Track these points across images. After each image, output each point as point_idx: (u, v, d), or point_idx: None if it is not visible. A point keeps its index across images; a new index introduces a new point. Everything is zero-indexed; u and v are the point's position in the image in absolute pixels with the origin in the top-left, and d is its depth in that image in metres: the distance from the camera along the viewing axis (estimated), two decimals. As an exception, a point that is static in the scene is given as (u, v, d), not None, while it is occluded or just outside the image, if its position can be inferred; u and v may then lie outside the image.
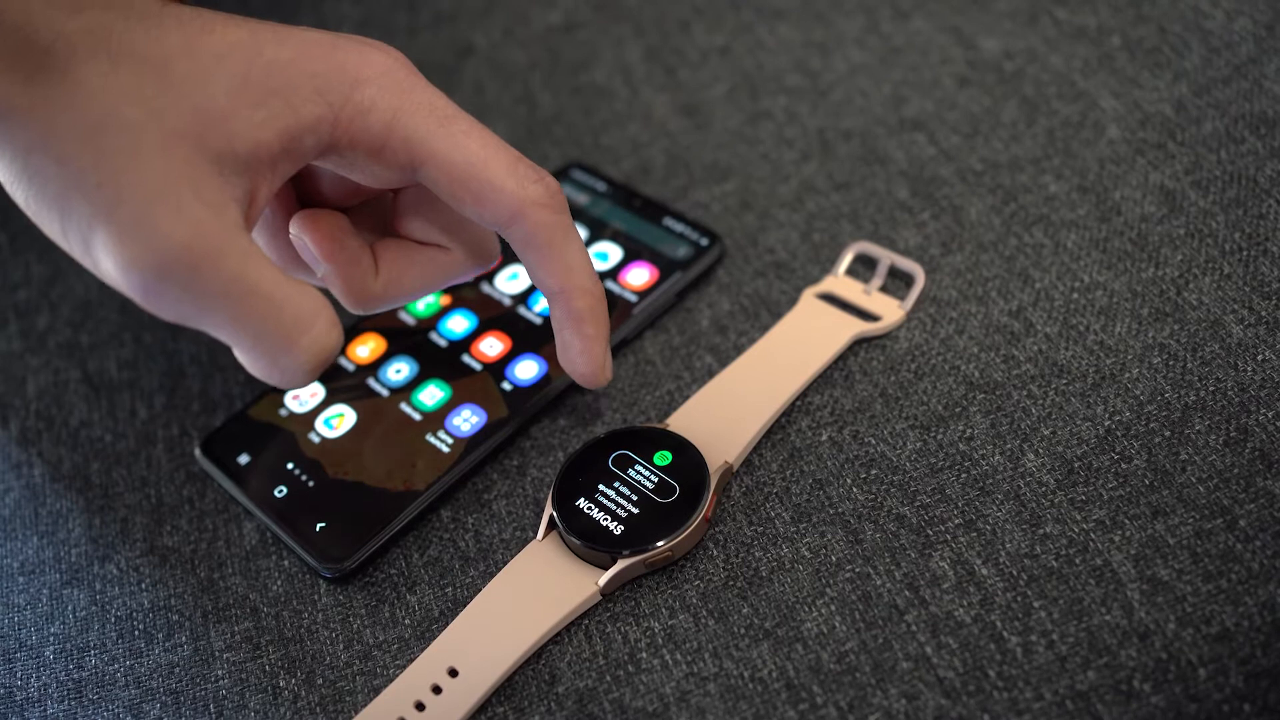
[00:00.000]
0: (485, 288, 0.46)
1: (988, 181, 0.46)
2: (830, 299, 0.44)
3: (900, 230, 0.45)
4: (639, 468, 0.38)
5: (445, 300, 0.46)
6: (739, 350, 0.43)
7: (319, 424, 0.42)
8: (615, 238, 0.47)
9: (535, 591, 0.37)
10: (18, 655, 0.39)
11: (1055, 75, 0.49)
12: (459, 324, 0.45)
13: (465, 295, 0.46)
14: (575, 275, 0.36)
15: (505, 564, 0.38)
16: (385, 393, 0.43)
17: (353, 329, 0.45)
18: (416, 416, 0.42)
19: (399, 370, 0.44)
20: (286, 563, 0.40)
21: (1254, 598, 0.34)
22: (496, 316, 0.45)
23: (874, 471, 0.39)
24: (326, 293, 0.37)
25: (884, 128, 0.49)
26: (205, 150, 0.30)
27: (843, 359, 0.42)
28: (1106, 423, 0.38)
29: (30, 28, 0.29)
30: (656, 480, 0.38)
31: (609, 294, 0.45)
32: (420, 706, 0.35)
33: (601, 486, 0.38)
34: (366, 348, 0.45)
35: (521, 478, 0.41)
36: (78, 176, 0.29)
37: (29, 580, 0.41)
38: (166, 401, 0.45)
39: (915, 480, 0.38)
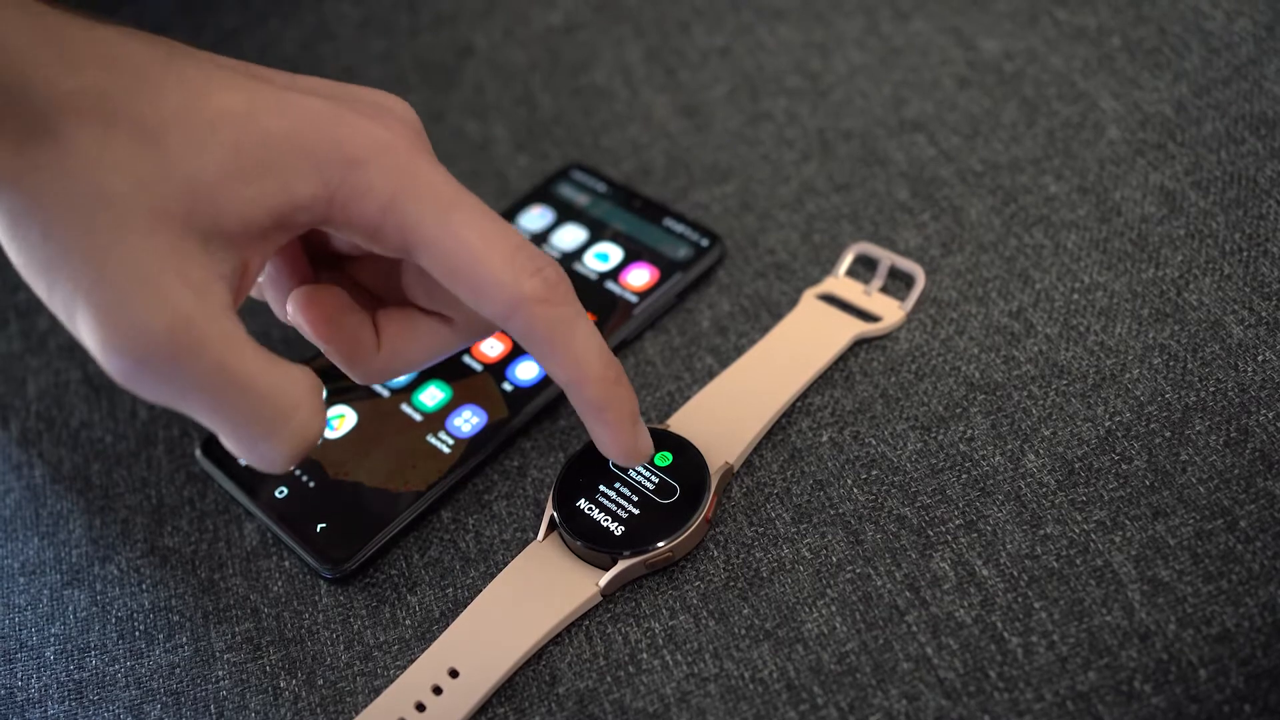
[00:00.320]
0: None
1: (988, 182, 0.46)
2: (831, 300, 0.44)
3: (900, 231, 0.45)
4: (639, 468, 0.38)
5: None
6: (739, 351, 0.43)
7: (319, 425, 0.42)
8: (615, 238, 0.47)
9: (536, 592, 0.37)
10: (18, 656, 0.39)
11: (1055, 76, 0.49)
12: (459, 325, 0.45)
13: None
14: (583, 367, 0.33)
15: (506, 565, 0.38)
16: (386, 393, 0.43)
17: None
18: (417, 417, 0.42)
19: (399, 371, 0.44)
20: (287, 563, 0.40)
21: (1254, 598, 0.34)
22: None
23: (874, 472, 0.39)
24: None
25: (884, 129, 0.49)
26: (193, 227, 0.29)
27: (843, 360, 0.42)
28: (1107, 423, 0.38)
29: (26, 88, 0.28)
30: (657, 481, 0.38)
31: (609, 294, 0.45)
32: (421, 707, 0.35)
33: (602, 487, 0.38)
34: (367, 348, 0.45)
35: (522, 478, 0.41)
36: (62, 250, 0.28)
37: (30, 581, 0.41)
38: (167, 402, 0.45)
39: (916, 481, 0.38)
